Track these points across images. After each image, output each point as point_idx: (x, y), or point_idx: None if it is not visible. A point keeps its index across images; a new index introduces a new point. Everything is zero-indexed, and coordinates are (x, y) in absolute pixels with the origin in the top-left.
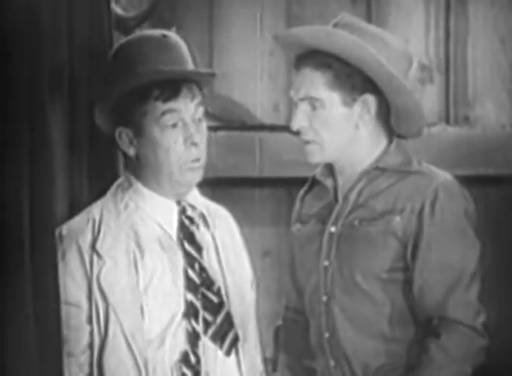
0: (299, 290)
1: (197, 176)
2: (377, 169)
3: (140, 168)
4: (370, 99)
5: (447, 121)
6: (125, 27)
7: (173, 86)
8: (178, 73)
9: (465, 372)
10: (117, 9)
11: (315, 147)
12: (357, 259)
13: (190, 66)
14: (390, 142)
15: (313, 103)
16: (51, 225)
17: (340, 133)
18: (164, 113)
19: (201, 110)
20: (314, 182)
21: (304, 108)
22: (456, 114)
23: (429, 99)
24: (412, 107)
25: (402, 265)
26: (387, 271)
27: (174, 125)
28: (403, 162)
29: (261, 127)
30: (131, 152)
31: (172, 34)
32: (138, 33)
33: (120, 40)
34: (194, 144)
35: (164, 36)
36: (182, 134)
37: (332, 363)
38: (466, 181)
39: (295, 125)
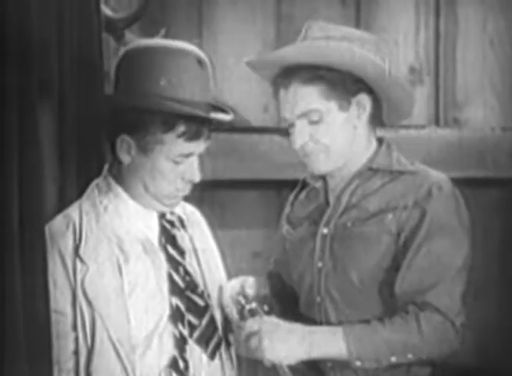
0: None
1: (179, 201)
2: (370, 170)
3: (127, 176)
4: (364, 99)
5: (436, 123)
6: (114, 29)
7: (198, 126)
8: (215, 120)
9: (422, 354)
10: (107, 11)
11: (321, 157)
12: (352, 260)
13: (211, 95)
14: (379, 142)
15: (311, 117)
16: (40, 224)
17: (342, 139)
18: (180, 155)
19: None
20: (304, 185)
21: (302, 124)
22: (445, 116)
23: (419, 102)
24: (404, 96)
25: (396, 264)
26: (383, 270)
27: (181, 162)
28: (396, 162)
29: (251, 129)
30: (126, 160)
31: (203, 58)
32: (175, 48)
33: (109, 41)
34: (191, 182)
35: (200, 62)
36: (183, 170)
37: (329, 364)
38: (456, 183)
39: (297, 144)
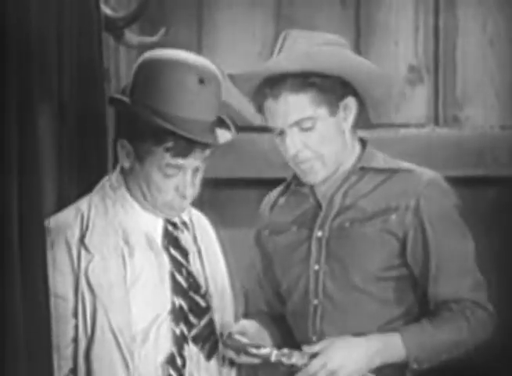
0: (279, 295)
1: (179, 214)
2: (362, 170)
3: (129, 180)
4: (351, 101)
5: (436, 122)
6: (114, 28)
7: (187, 144)
8: (202, 142)
9: (471, 347)
10: (106, 10)
11: (317, 164)
12: (353, 260)
13: (215, 113)
14: (362, 143)
15: (303, 124)
16: (39, 222)
17: (334, 144)
18: (167, 165)
19: (204, 164)
20: (285, 190)
21: (293, 132)
22: (445, 115)
23: (418, 100)
24: (387, 96)
25: (398, 262)
26: (384, 269)
27: (173, 175)
28: (385, 161)
29: (251, 128)
30: (126, 165)
31: (208, 76)
32: (176, 62)
33: (109, 40)
34: (183, 197)
35: (201, 81)
36: (176, 183)
37: None
38: (455, 182)
39: (292, 152)
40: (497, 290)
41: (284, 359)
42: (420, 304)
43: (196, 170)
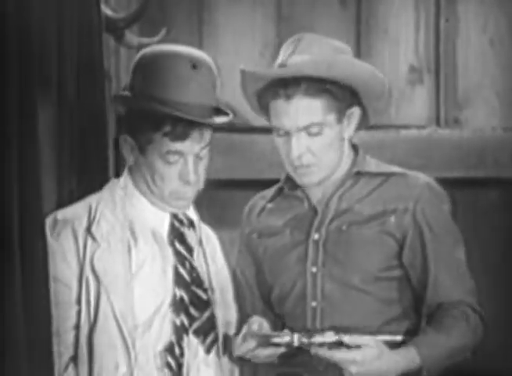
0: (268, 299)
1: (186, 204)
2: (357, 174)
3: (135, 175)
4: (356, 111)
5: (437, 124)
6: (115, 28)
7: (185, 126)
8: (195, 121)
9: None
10: (107, 11)
11: (314, 169)
12: (351, 261)
13: (211, 98)
14: (354, 148)
15: (312, 130)
16: (40, 223)
17: (335, 150)
18: (168, 152)
19: (206, 150)
20: (277, 194)
21: (300, 136)
22: (446, 116)
23: (419, 101)
24: (388, 104)
25: (396, 263)
26: (383, 269)
27: (175, 162)
28: (377, 165)
29: (251, 129)
30: (131, 160)
31: (202, 63)
32: (169, 52)
33: (109, 41)
34: (187, 183)
35: (194, 67)
36: (179, 170)
37: (320, 368)
38: (457, 183)
39: (295, 154)
40: (500, 289)
41: (305, 340)
42: (415, 304)
43: (197, 157)
